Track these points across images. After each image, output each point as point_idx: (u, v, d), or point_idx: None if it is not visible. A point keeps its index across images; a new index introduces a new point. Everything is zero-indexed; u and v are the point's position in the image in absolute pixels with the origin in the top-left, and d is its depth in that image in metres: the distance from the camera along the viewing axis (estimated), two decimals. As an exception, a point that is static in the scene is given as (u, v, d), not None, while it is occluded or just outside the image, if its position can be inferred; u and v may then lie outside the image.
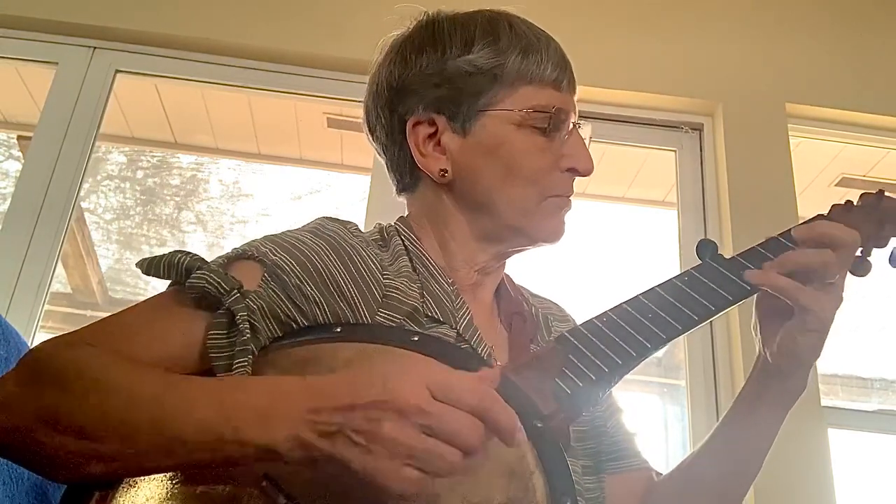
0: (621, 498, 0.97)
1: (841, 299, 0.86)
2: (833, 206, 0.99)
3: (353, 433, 0.61)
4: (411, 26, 0.98)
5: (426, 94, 0.93)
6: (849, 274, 0.93)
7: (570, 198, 0.95)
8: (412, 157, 0.94)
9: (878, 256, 0.97)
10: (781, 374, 0.89)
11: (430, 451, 0.60)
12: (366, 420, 0.61)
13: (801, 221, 0.96)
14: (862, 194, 0.99)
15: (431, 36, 0.95)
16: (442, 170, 0.93)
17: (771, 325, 0.89)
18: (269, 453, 0.64)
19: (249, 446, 0.64)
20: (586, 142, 0.95)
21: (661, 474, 1.02)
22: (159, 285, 0.82)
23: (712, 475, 0.95)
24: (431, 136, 0.94)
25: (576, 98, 0.96)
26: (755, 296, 0.89)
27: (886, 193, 0.98)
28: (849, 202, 0.99)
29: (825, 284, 0.84)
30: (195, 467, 0.68)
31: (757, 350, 0.92)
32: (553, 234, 0.94)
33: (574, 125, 0.94)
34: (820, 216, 0.97)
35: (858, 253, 0.96)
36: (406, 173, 0.98)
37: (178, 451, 0.65)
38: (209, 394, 0.68)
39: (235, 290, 0.76)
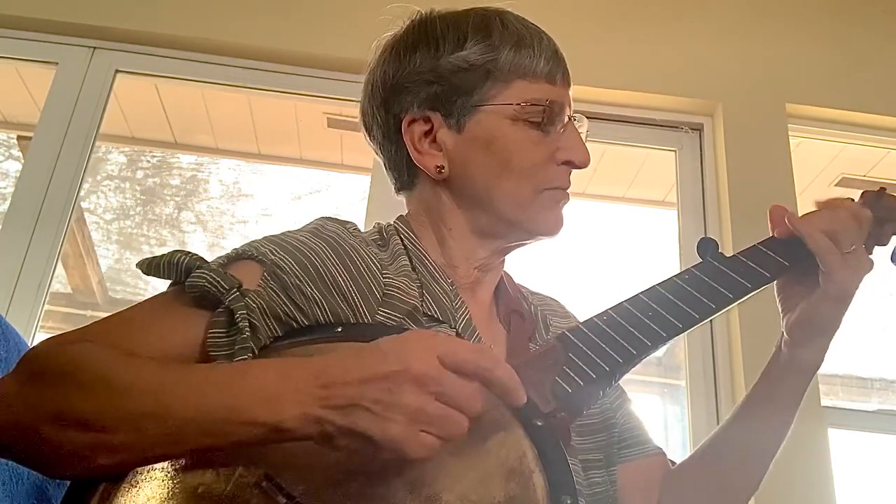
0: (638, 485, 0.97)
1: (864, 269, 0.89)
2: None
3: (370, 404, 0.63)
4: (404, 26, 0.99)
5: (420, 92, 0.94)
6: None
7: (568, 191, 0.95)
8: (409, 155, 0.95)
9: (880, 255, 0.97)
10: (798, 347, 0.91)
11: (446, 416, 0.64)
12: (384, 390, 0.63)
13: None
14: (863, 192, 1.00)
15: (424, 34, 0.96)
16: (438, 166, 0.93)
17: (790, 297, 0.92)
18: (278, 432, 0.65)
19: (258, 426, 0.65)
20: (583, 137, 0.96)
21: (675, 463, 1.02)
22: (159, 285, 0.83)
23: (736, 450, 0.96)
24: (427, 133, 0.94)
25: (570, 92, 0.97)
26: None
27: (887, 191, 0.99)
28: (850, 200, 0.99)
29: (846, 253, 0.87)
30: (203, 453, 0.68)
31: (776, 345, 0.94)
32: (551, 227, 0.94)
33: (570, 118, 0.94)
34: None
35: None
36: (404, 171, 0.98)
37: (185, 436, 0.66)
38: (215, 378, 0.69)
39: (235, 289, 0.77)
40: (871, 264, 0.89)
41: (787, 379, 0.93)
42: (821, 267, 0.87)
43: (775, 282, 0.93)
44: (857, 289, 0.88)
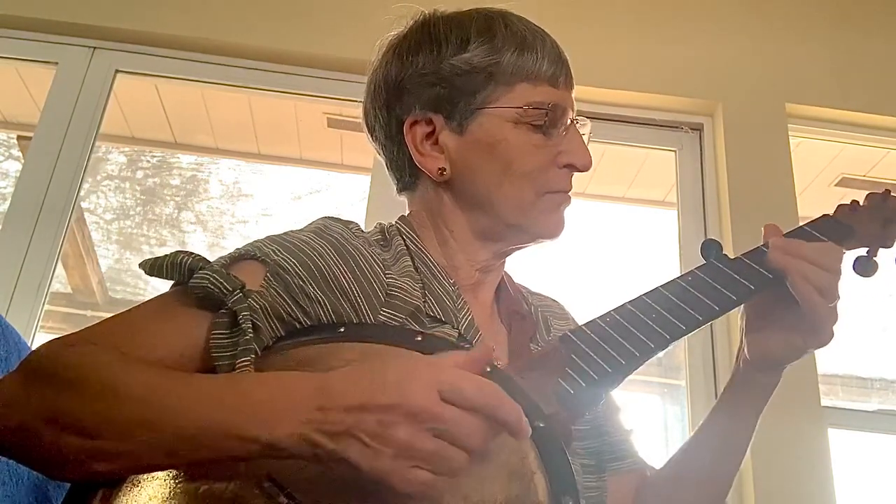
0: (617, 498, 0.97)
1: (836, 320, 0.88)
2: (839, 206, 1.00)
3: (363, 434, 0.62)
4: (408, 26, 0.98)
5: (423, 94, 0.93)
6: (855, 274, 0.94)
7: (570, 194, 0.95)
8: (411, 156, 0.94)
9: (885, 256, 0.97)
10: (758, 371, 0.92)
11: (441, 454, 0.62)
12: (378, 423, 0.62)
13: (803, 222, 0.96)
14: (868, 194, 1.00)
15: (427, 35, 0.95)
16: (440, 168, 0.93)
17: (760, 324, 0.91)
18: (273, 450, 0.64)
19: (253, 444, 0.64)
20: (585, 139, 0.95)
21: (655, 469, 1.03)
22: (160, 285, 0.83)
23: (699, 469, 0.97)
24: (429, 135, 0.94)
25: (573, 94, 0.96)
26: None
27: (893, 193, 0.98)
28: (854, 202, 0.99)
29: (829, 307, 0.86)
30: (199, 465, 0.68)
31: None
32: (552, 230, 0.94)
33: (572, 121, 0.94)
34: (825, 216, 0.97)
35: (865, 253, 0.96)
36: (405, 172, 0.98)
37: (181, 448, 0.66)
38: (213, 391, 0.68)
39: (238, 290, 0.76)
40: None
41: (747, 401, 0.94)
42: (810, 322, 0.86)
43: (746, 312, 0.93)
44: (832, 337, 0.87)
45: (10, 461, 0.76)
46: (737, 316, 2.06)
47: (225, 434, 0.65)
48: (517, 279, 1.07)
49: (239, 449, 0.65)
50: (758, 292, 0.87)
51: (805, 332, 0.87)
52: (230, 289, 0.76)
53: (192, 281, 0.77)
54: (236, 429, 0.65)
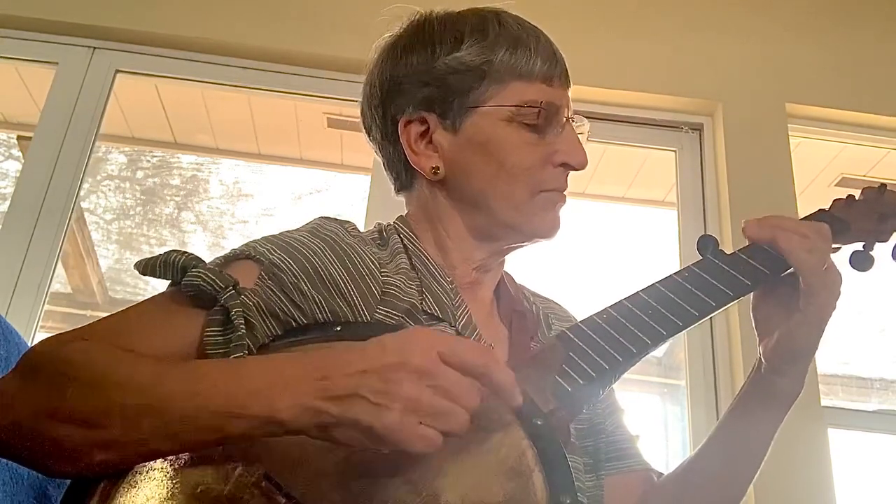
0: (619, 499, 0.96)
1: (838, 287, 0.85)
2: (835, 200, 1.00)
3: (368, 393, 0.63)
4: (402, 26, 0.99)
5: (417, 93, 0.93)
6: (851, 268, 0.93)
7: (565, 192, 0.95)
8: (406, 155, 0.94)
9: (881, 251, 0.97)
10: (777, 374, 0.89)
11: (444, 409, 0.64)
12: (383, 381, 0.63)
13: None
14: (864, 189, 1.00)
15: (421, 35, 0.95)
16: (434, 167, 0.93)
17: (768, 322, 0.89)
18: (272, 425, 0.65)
19: (252, 419, 0.65)
20: (583, 139, 0.95)
21: (663, 475, 1.02)
22: (159, 286, 0.83)
23: (709, 475, 0.95)
24: (423, 134, 0.94)
25: (570, 93, 0.96)
26: (752, 295, 0.89)
27: (888, 187, 0.98)
28: (850, 196, 0.99)
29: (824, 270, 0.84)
30: (201, 449, 0.68)
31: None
32: (547, 229, 0.93)
33: (567, 119, 0.93)
34: (822, 211, 0.98)
35: (860, 247, 0.96)
36: (402, 172, 0.98)
37: (181, 432, 0.66)
38: (210, 372, 0.69)
39: (230, 287, 0.77)
40: (841, 280, 0.86)
41: (767, 409, 0.91)
42: (803, 287, 0.84)
43: (751, 306, 0.91)
44: (834, 309, 0.85)
45: (11, 461, 0.76)
46: (737, 315, 2.06)
47: (223, 413, 0.65)
48: (518, 278, 1.07)
49: (238, 427, 0.65)
50: (754, 287, 0.87)
51: (804, 303, 0.84)
52: (222, 286, 0.76)
53: (184, 280, 0.77)
54: (234, 406, 0.65)
